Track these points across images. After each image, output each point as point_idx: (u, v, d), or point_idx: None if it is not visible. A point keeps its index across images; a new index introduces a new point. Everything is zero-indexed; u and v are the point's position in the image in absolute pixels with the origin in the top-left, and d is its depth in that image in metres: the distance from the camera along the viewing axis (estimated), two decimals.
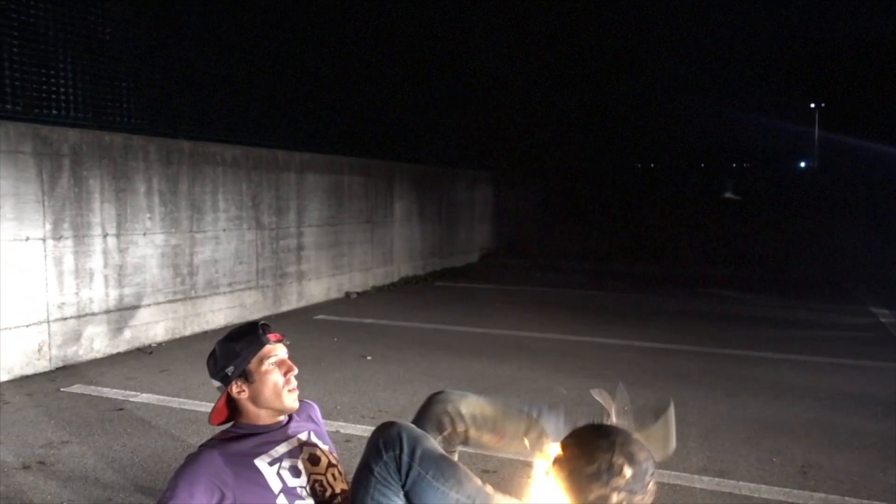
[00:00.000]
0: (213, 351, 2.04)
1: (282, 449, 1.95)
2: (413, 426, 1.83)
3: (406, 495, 1.74)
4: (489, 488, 1.78)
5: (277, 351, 2.01)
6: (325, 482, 1.95)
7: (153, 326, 5.45)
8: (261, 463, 1.89)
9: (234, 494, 1.82)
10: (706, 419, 3.79)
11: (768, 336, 6.06)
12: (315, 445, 2.03)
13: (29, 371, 4.51)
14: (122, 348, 5.16)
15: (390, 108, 8.86)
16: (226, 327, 6.09)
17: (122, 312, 5.18)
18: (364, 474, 1.76)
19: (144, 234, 5.35)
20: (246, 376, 1.98)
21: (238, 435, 1.97)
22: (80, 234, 4.84)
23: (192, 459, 1.87)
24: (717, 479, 2.99)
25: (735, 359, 5.19)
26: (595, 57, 17.51)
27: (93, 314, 4.94)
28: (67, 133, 4.75)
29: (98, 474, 2.97)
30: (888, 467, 3.14)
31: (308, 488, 1.91)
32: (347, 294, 7.92)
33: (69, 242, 4.76)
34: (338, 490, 1.96)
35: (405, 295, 8.24)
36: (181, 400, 4.02)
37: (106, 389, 4.22)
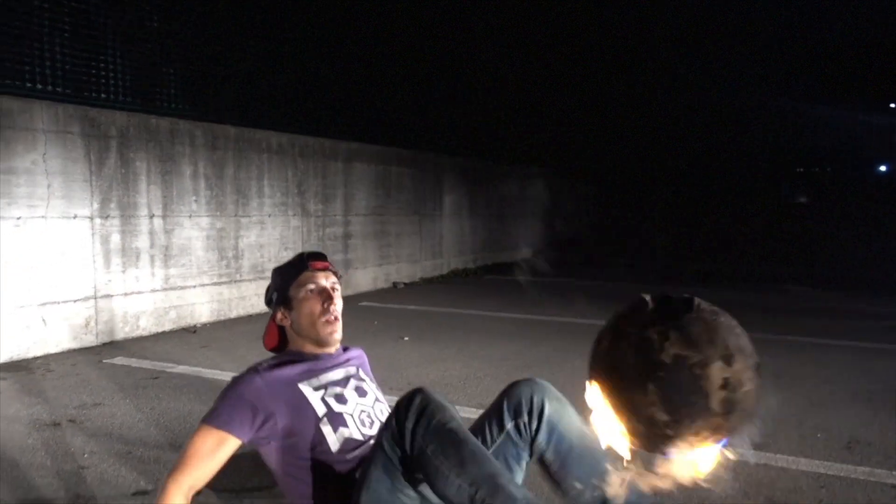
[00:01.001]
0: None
1: (329, 377, 1.92)
2: (435, 394, 1.64)
3: (410, 472, 1.60)
4: (507, 478, 1.56)
5: (319, 279, 1.96)
6: (371, 414, 1.91)
7: (198, 307, 5.55)
8: (305, 387, 1.86)
9: (278, 417, 1.79)
10: None
11: (823, 325, 5.75)
12: (363, 380, 1.99)
13: (76, 345, 4.65)
14: (166, 327, 5.28)
15: (440, 101, 8.85)
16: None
17: (168, 292, 5.29)
18: (374, 447, 1.67)
19: (190, 217, 5.46)
20: (287, 303, 1.96)
21: (285, 361, 1.93)
22: (127, 213, 4.98)
23: (236, 382, 1.86)
24: (753, 452, 2.82)
25: (784, 344, 4.94)
26: (657, 54, 17.14)
27: (139, 293, 5.07)
28: (115, 116, 4.89)
29: (123, 432, 3.02)
30: None
31: (355, 417, 1.86)
32: (395, 284, 7.93)
33: (116, 222, 4.90)
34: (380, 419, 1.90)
35: (452, 286, 8.19)
36: (215, 372, 4.07)
37: (145, 362, 4.31)
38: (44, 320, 4.46)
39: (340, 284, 2.04)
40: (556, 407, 1.81)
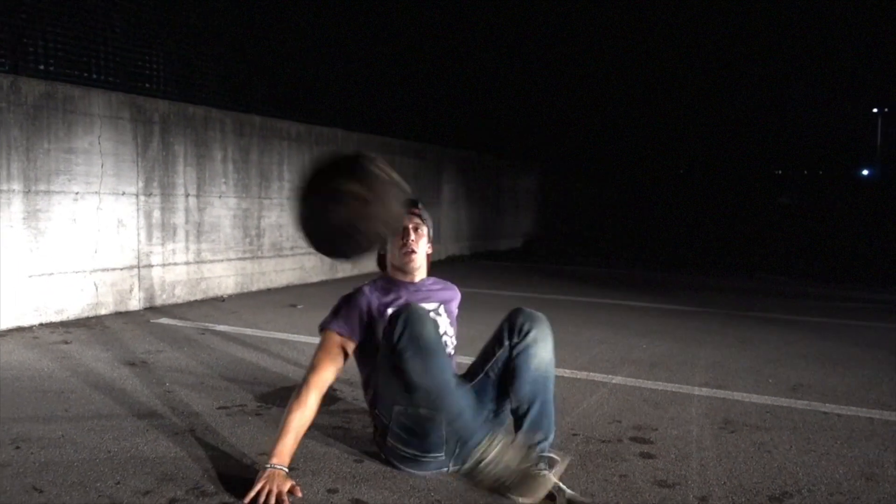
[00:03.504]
0: None
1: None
2: (421, 309, 2.18)
3: (395, 370, 2.13)
4: (457, 384, 2.16)
5: (408, 220, 2.45)
6: (446, 339, 2.42)
7: (224, 280, 6.11)
8: (391, 309, 2.33)
9: (373, 322, 2.39)
10: (716, 354, 4.22)
11: (791, 305, 6.39)
12: (440, 315, 2.48)
13: (122, 308, 5.20)
14: (198, 296, 5.83)
15: (442, 94, 9.42)
16: (287, 287, 6.74)
17: (200, 265, 5.85)
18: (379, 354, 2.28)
19: (220, 197, 6.02)
20: (386, 239, 2.47)
21: (383, 287, 2.49)
22: (167, 192, 5.53)
23: (347, 296, 2.47)
24: (714, 390, 3.44)
25: (754, 319, 5.57)
26: (649, 53, 17.76)
27: (175, 264, 5.62)
28: (158, 103, 5.44)
29: (190, 369, 3.59)
30: (874, 387, 3.54)
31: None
32: None
33: (157, 199, 5.45)
34: (448, 350, 2.41)
35: (449, 268, 8.77)
36: (254, 329, 4.64)
37: (188, 322, 4.87)
38: (95, 285, 5.01)
39: (426, 225, 2.53)
40: (537, 335, 2.32)
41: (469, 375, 2.42)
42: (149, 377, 3.41)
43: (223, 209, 6.06)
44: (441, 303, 2.56)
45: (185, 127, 5.69)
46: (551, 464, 2.15)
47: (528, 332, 2.31)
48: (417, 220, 2.52)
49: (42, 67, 4.63)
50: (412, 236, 2.49)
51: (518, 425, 2.30)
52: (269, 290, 6.49)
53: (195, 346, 4.13)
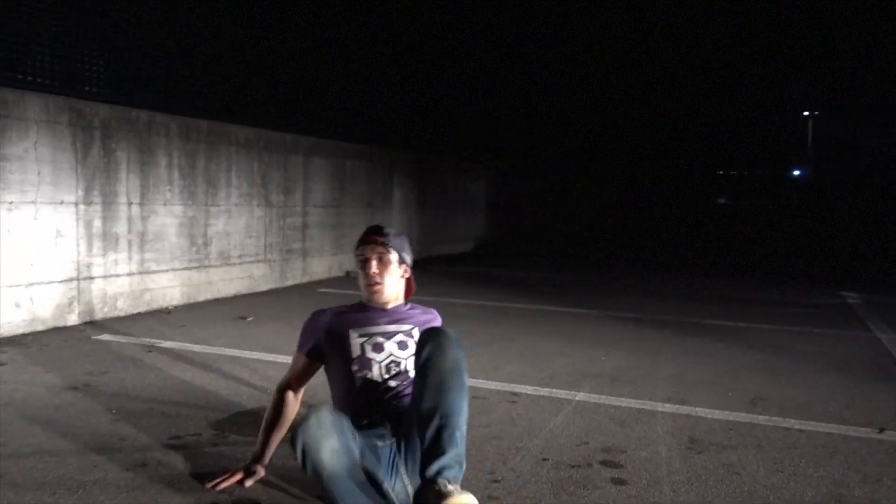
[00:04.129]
0: None
1: (379, 328, 2.39)
2: (316, 423, 1.90)
3: None
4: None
5: (366, 250, 2.42)
6: (402, 365, 2.34)
7: (170, 291, 5.87)
8: (353, 333, 2.38)
9: (324, 345, 2.41)
10: (675, 366, 4.24)
11: (742, 312, 6.51)
12: (412, 337, 2.39)
13: (60, 324, 4.93)
14: (142, 309, 5.59)
15: (392, 96, 9.30)
16: (236, 297, 6.53)
17: (144, 276, 5.60)
18: None
19: (164, 205, 5.78)
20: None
21: (352, 309, 2.48)
22: (108, 200, 5.27)
23: (311, 316, 2.51)
24: (677, 405, 3.44)
25: (708, 327, 5.65)
26: (594, 54, 17.96)
27: (117, 275, 5.37)
28: (99, 107, 5.18)
29: (139, 393, 3.40)
30: (830, 400, 3.60)
31: (383, 364, 2.33)
32: (348, 273, 8.35)
33: (98, 208, 5.19)
34: (411, 374, 2.31)
35: None
36: (203, 346, 4.46)
37: (132, 338, 4.65)
38: (31, 299, 4.74)
39: (393, 251, 2.43)
40: (432, 349, 2.08)
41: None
42: (93, 403, 3.22)
43: (168, 217, 5.83)
44: (416, 325, 2.46)
45: (128, 132, 5.44)
46: (439, 497, 1.85)
47: (424, 347, 2.10)
48: (381, 249, 2.42)
49: None
50: (373, 267, 2.41)
51: (420, 441, 2.02)
52: (216, 301, 6.27)
53: (141, 366, 3.94)
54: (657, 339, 5.08)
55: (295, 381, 2.49)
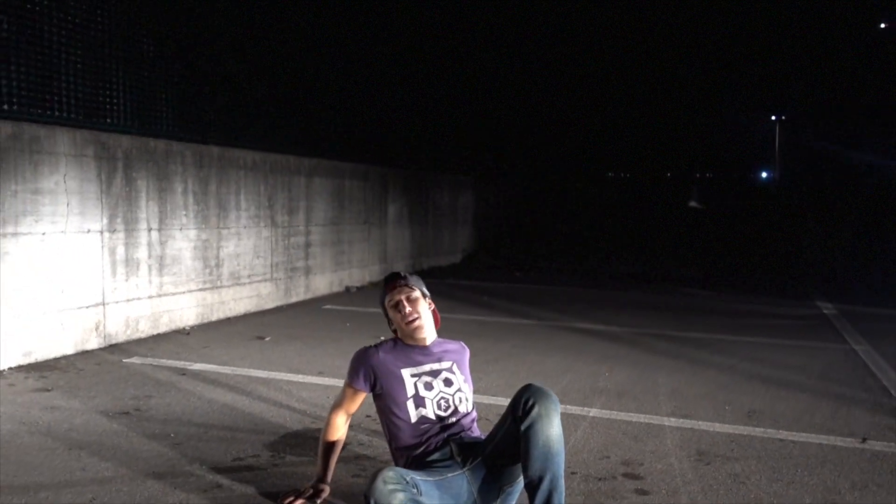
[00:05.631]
0: None
1: (426, 367, 2.67)
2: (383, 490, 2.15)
3: None
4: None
5: (395, 295, 2.73)
6: (450, 400, 2.63)
7: (186, 312, 6.11)
8: (405, 371, 2.65)
9: (382, 384, 2.65)
10: (673, 381, 4.60)
11: (725, 324, 6.92)
12: (454, 373, 2.70)
13: (87, 347, 5.16)
14: (161, 330, 5.82)
15: (384, 116, 9.60)
16: (245, 315, 6.78)
17: (162, 298, 5.84)
18: None
19: (181, 230, 6.02)
20: (387, 315, 2.81)
21: (400, 347, 2.73)
22: (130, 227, 5.51)
23: (360, 352, 2.72)
24: (682, 419, 3.80)
25: (696, 340, 6.04)
26: (572, 65, 18.42)
27: (139, 299, 5.60)
28: (121, 139, 5.42)
29: (188, 417, 3.67)
30: (816, 412, 3.98)
31: (434, 401, 2.62)
32: (347, 289, 8.64)
33: (121, 235, 5.43)
34: (459, 409, 2.62)
35: None
36: (231, 367, 4.72)
37: (162, 360, 4.90)
38: (62, 324, 4.96)
39: (416, 289, 2.77)
40: (541, 411, 2.32)
41: (481, 449, 2.52)
42: (150, 427, 3.48)
43: (184, 241, 6.07)
44: (454, 362, 2.78)
45: (147, 161, 5.68)
46: None
47: (531, 408, 2.32)
48: (406, 290, 2.76)
49: (5, 107, 4.57)
50: (407, 307, 2.72)
51: (531, 498, 2.33)
52: (229, 320, 6.52)
53: (181, 390, 4.19)
54: (652, 354, 5.44)
55: (345, 408, 2.74)
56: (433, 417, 2.61)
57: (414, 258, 10.72)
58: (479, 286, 9.49)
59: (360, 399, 2.75)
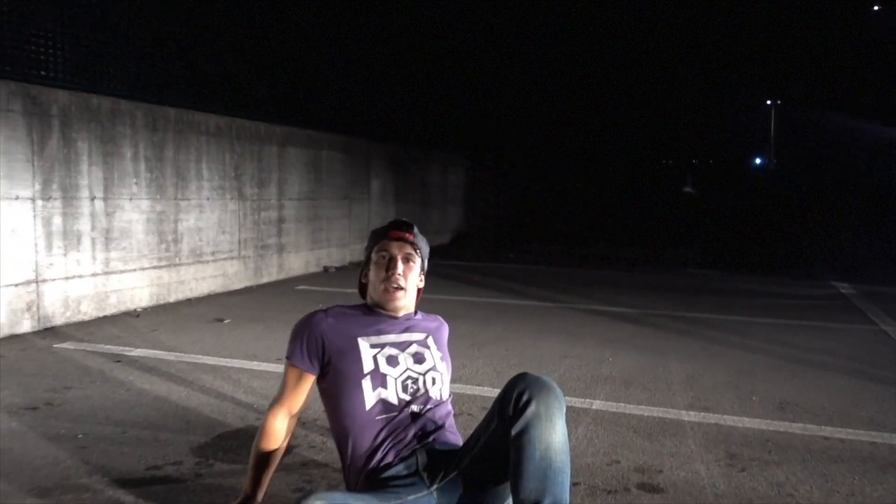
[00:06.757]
0: None
1: (390, 338, 2.00)
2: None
3: None
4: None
5: (391, 247, 2.05)
6: (419, 381, 1.95)
7: (138, 292, 5.46)
8: (363, 341, 1.97)
9: (331, 356, 1.96)
10: (687, 367, 3.99)
11: (737, 304, 6.31)
12: (427, 347, 2.04)
13: (18, 330, 4.51)
14: (108, 311, 5.17)
15: (369, 86, 8.92)
16: (209, 296, 6.13)
17: (109, 276, 5.18)
18: None
19: (130, 199, 5.36)
20: (368, 263, 2.11)
21: (356, 310, 2.07)
22: (69, 195, 4.84)
23: (304, 319, 2.03)
24: (702, 413, 3.17)
25: (708, 321, 5.42)
26: (569, 48, 17.72)
27: (80, 276, 4.94)
28: (57, 94, 4.74)
29: (107, 413, 3.03)
30: (859, 403, 3.37)
31: (399, 381, 1.94)
32: (326, 269, 7.99)
33: (58, 203, 4.76)
34: (431, 394, 1.95)
35: None
36: (177, 354, 4.08)
37: (100, 346, 4.25)
38: None
39: (419, 255, 2.10)
40: (539, 409, 1.68)
41: (456, 460, 1.85)
42: (56, 427, 2.84)
43: (135, 213, 5.41)
44: (428, 333, 2.10)
45: (90, 121, 5.01)
46: None
47: (526, 405, 1.68)
48: (409, 249, 2.07)
49: None
50: (399, 267, 2.04)
51: None
52: (189, 301, 5.87)
53: (109, 379, 3.55)
54: (660, 337, 4.83)
55: (288, 399, 1.99)
56: (395, 402, 1.91)
57: None
58: (470, 266, 8.85)
59: (307, 387, 2.00)
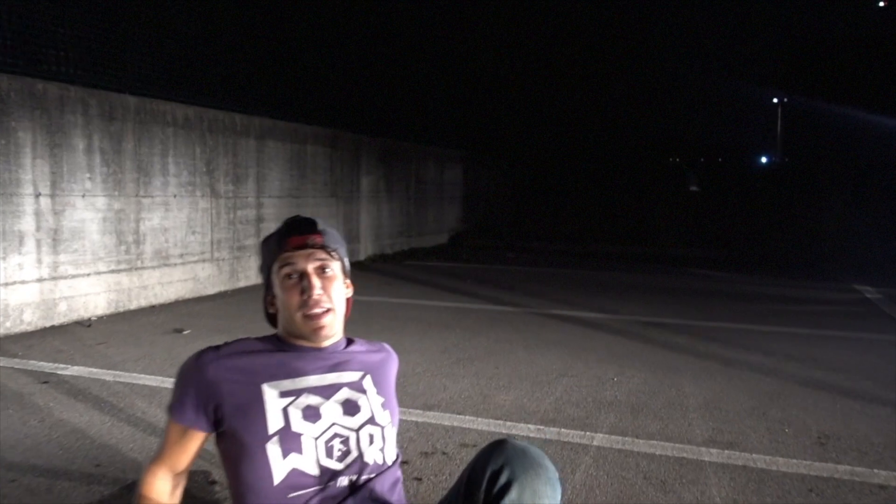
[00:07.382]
0: None
1: (310, 381, 1.46)
2: None
3: None
4: None
5: (297, 260, 1.48)
6: (350, 441, 1.42)
7: (93, 298, 4.94)
8: (269, 389, 1.43)
9: (225, 411, 1.41)
10: (703, 388, 3.45)
11: (754, 310, 5.76)
12: (363, 392, 1.50)
13: None
14: (56, 321, 4.65)
15: (359, 77, 8.40)
16: (176, 302, 5.61)
17: (58, 281, 4.66)
18: None
19: (83, 196, 4.84)
20: (270, 288, 1.54)
21: (258, 346, 1.51)
22: (8, 191, 4.32)
23: (189, 362, 1.47)
24: (726, 451, 2.63)
25: (723, 332, 4.87)
26: (572, 43, 17.19)
27: (23, 282, 4.42)
28: None
29: (5, 453, 2.50)
30: None
31: (319, 442, 1.40)
32: None
33: None
34: (368, 458, 1.43)
35: (373, 273, 7.79)
36: (116, 373, 3.55)
37: (32, 362, 3.73)
38: None
39: (337, 258, 1.54)
40: (522, 494, 1.29)
41: None
42: None
43: (89, 211, 4.89)
44: (365, 372, 1.54)
45: (34, 109, 4.48)
46: None
47: (505, 491, 1.28)
48: (322, 255, 1.51)
49: None
50: (316, 286, 1.49)
51: None
52: (152, 308, 5.35)
53: (26, 405, 3.03)
54: (671, 351, 4.28)
55: (169, 458, 1.46)
56: (316, 473, 1.38)
57: (393, 238, 9.53)
58: (465, 268, 8.31)
59: (196, 446, 1.46)
